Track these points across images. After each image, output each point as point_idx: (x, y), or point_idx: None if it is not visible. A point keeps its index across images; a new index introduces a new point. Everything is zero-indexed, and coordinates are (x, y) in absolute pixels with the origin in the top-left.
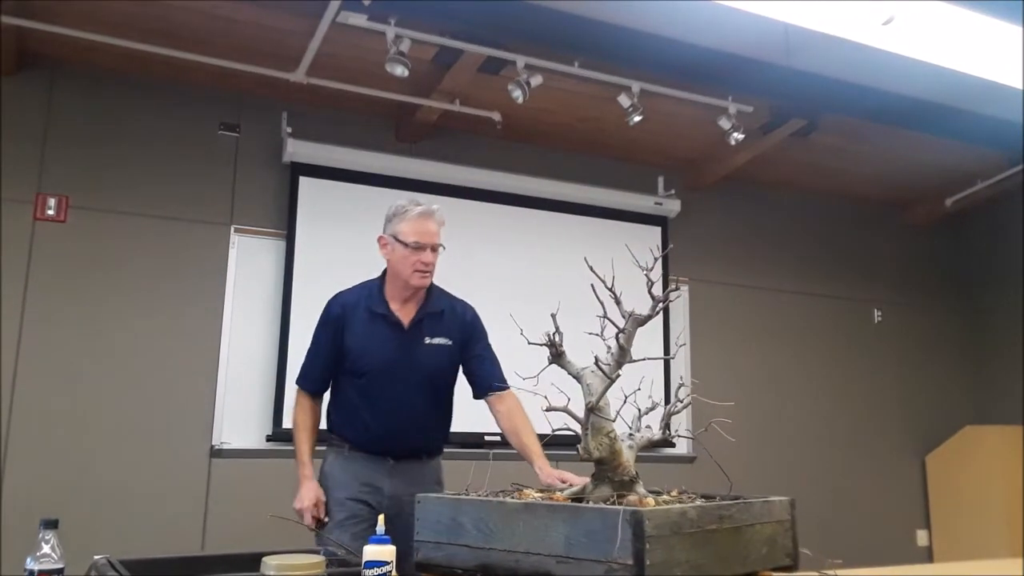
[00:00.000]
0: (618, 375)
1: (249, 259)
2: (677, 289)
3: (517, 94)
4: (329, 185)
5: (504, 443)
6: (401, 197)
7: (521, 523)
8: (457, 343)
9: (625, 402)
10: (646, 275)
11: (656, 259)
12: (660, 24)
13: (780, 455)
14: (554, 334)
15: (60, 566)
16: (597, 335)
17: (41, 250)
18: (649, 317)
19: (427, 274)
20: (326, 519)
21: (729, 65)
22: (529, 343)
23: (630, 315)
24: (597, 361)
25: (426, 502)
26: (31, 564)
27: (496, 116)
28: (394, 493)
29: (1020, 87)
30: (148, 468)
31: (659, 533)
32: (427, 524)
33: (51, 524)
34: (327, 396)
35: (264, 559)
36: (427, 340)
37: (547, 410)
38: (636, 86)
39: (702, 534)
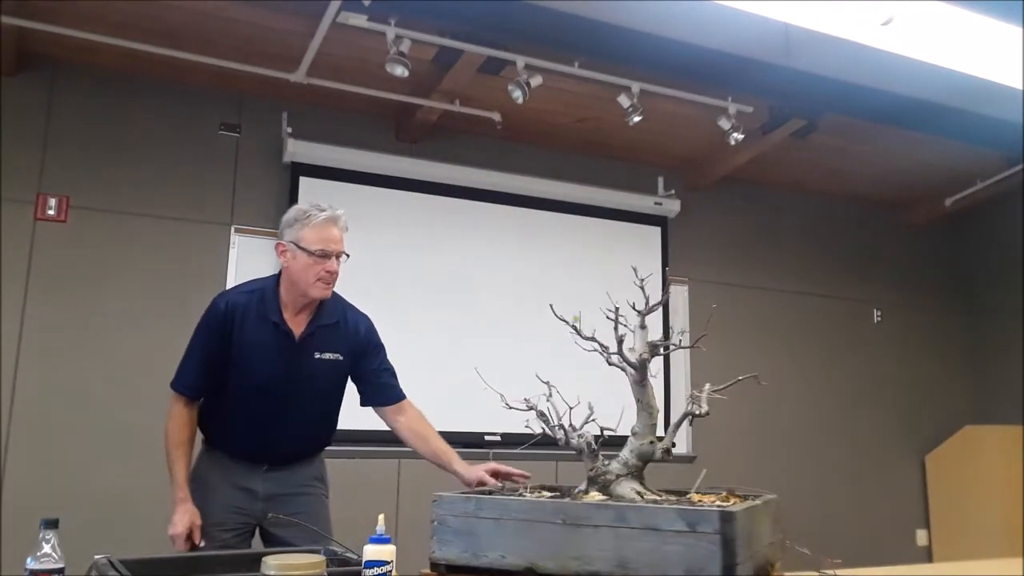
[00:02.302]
0: None
1: (249, 259)
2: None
3: (517, 94)
4: (329, 185)
5: (504, 443)
6: (304, 203)
7: None
8: (348, 357)
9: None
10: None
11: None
12: (660, 24)
13: (780, 455)
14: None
15: (60, 566)
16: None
17: (42, 250)
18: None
19: (330, 284)
20: (201, 544)
21: (729, 65)
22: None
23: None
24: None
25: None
26: (31, 564)
27: (496, 116)
28: (269, 494)
29: (1020, 87)
30: (149, 468)
31: None
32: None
33: (51, 524)
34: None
35: (264, 559)
36: (316, 355)
37: (699, 415)
38: (636, 86)
39: None
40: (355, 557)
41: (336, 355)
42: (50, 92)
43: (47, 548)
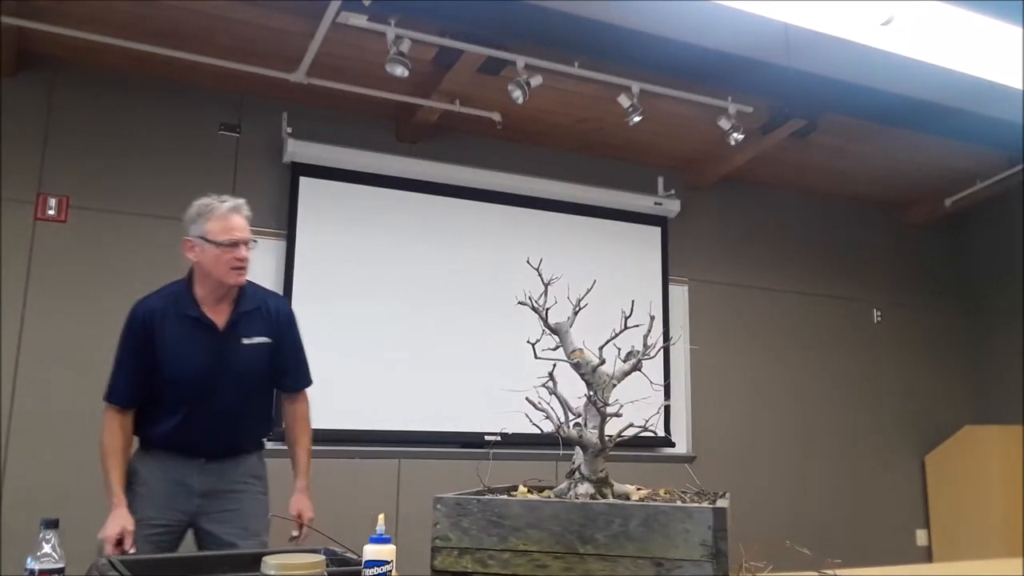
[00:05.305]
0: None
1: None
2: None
3: (517, 94)
4: (329, 185)
5: (504, 443)
6: (204, 197)
7: None
8: (275, 340)
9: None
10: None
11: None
12: (660, 24)
13: (779, 455)
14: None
15: (61, 566)
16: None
17: (42, 250)
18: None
19: (244, 271)
20: (131, 550)
21: (729, 65)
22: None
23: (634, 354)
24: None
25: None
26: (32, 564)
27: (496, 116)
28: (205, 489)
29: (1020, 87)
30: None
31: None
32: None
33: (52, 524)
34: None
35: (264, 559)
36: (244, 340)
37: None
38: (636, 86)
39: None
40: (355, 557)
41: (264, 338)
42: (50, 92)
43: (47, 548)
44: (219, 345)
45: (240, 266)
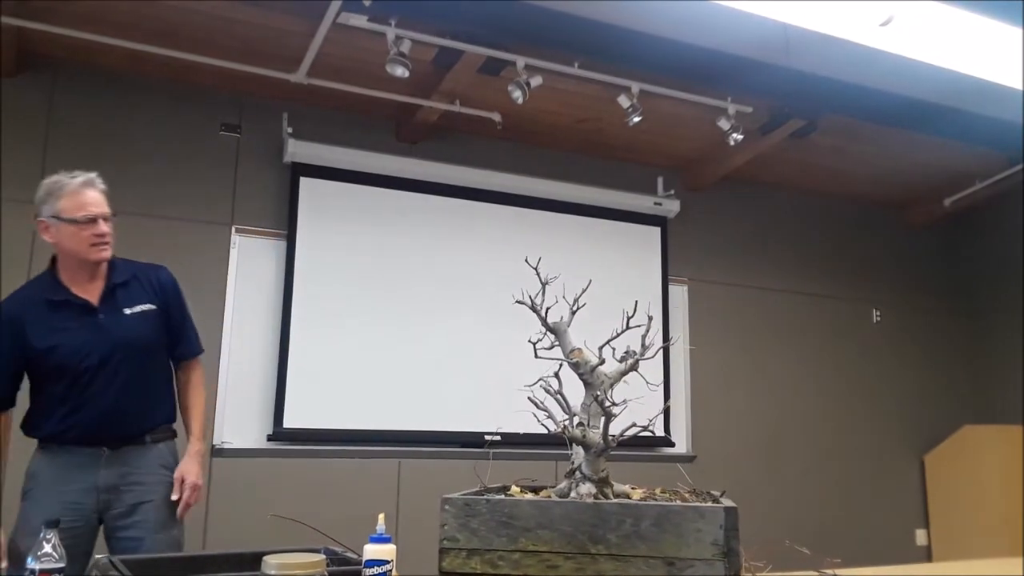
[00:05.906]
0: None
1: (250, 259)
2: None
3: (517, 95)
4: (330, 185)
5: (504, 443)
6: (54, 175)
7: None
8: (161, 307)
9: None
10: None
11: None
12: (660, 25)
13: (779, 455)
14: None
15: (61, 565)
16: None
17: (42, 250)
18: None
19: (105, 246)
20: (3, 565)
21: (729, 65)
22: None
23: (631, 354)
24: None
25: None
26: (32, 563)
27: (496, 116)
28: (109, 484)
29: (1019, 87)
30: None
31: None
32: None
33: (52, 524)
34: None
35: (264, 558)
36: (127, 311)
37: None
38: (636, 87)
39: None
40: (355, 556)
41: (148, 305)
42: (51, 92)
43: (48, 548)
44: (98, 321)
45: (100, 242)
